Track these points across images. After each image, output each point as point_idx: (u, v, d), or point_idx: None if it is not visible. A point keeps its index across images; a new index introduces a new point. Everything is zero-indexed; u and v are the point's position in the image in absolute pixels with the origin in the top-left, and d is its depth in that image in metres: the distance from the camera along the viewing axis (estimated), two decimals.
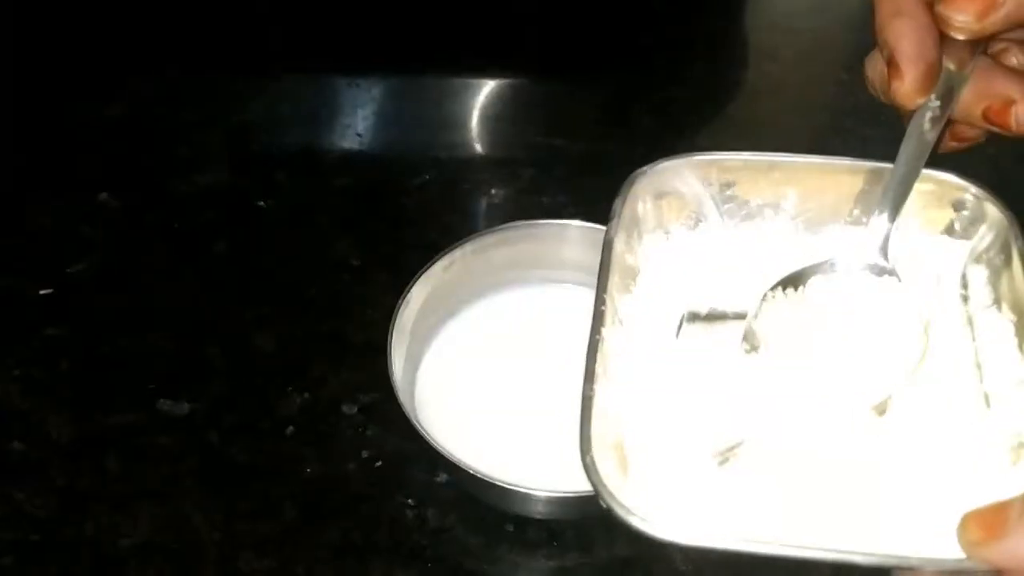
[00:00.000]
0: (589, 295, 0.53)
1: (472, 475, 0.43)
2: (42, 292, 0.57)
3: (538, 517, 0.47)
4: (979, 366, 0.35)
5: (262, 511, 0.47)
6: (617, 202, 0.38)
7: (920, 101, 0.36)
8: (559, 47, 0.75)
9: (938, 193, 0.38)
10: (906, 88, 0.35)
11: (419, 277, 0.49)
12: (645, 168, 0.39)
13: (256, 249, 0.60)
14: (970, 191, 0.38)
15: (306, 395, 0.52)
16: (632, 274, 0.38)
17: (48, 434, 0.50)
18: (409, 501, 0.48)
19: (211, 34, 0.74)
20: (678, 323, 0.38)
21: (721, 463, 0.33)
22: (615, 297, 0.36)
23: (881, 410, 0.34)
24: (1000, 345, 0.35)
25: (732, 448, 0.34)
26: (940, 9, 0.35)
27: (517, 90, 0.73)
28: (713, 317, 0.38)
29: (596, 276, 0.53)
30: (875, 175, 0.39)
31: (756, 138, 0.71)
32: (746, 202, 0.40)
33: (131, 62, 0.72)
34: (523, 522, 0.47)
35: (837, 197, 0.40)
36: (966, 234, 0.38)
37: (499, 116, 0.71)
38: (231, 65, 0.73)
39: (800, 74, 0.76)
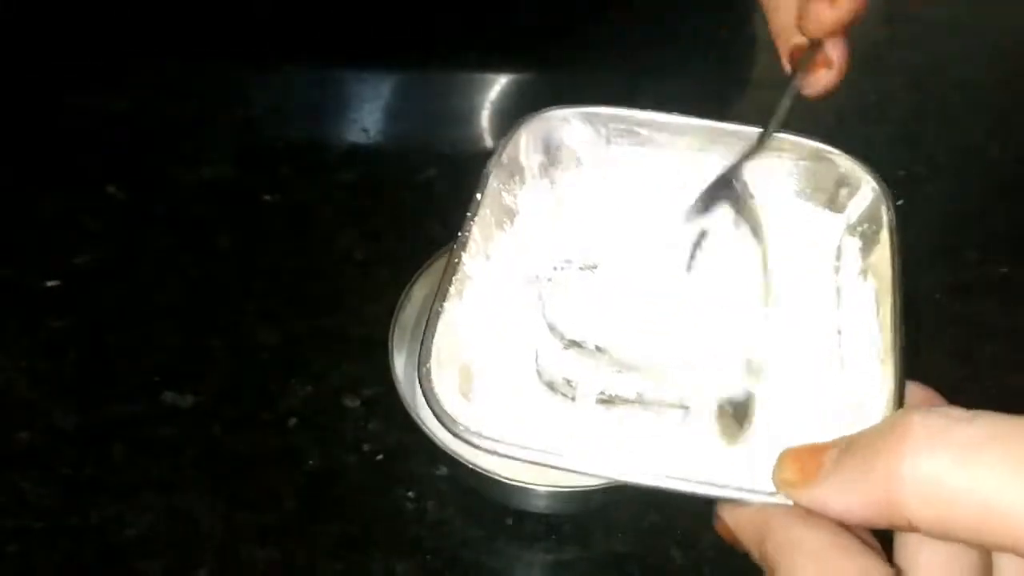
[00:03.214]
0: None
1: (472, 469, 0.43)
2: (48, 284, 0.57)
3: (537, 511, 0.48)
4: (840, 332, 0.36)
5: (264, 502, 0.48)
6: (501, 142, 0.38)
7: None
8: (565, 41, 0.75)
9: (814, 165, 0.38)
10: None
11: (421, 273, 0.50)
12: (533, 115, 0.39)
13: (260, 242, 0.60)
14: (844, 161, 0.38)
15: (308, 388, 0.52)
16: (509, 214, 0.38)
17: (53, 424, 0.51)
18: (409, 494, 0.48)
19: (216, 27, 0.74)
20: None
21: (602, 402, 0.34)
22: (486, 230, 0.36)
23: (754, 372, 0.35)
24: (860, 312, 0.35)
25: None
26: None
27: (523, 85, 0.73)
28: (586, 268, 0.38)
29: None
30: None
31: None
32: (636, 132, 0.40)
33: (135, 55, 0.72)
34: (522, 516, 0.48)
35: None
36: (841, 206, 0.38)
37: (505, 111, 0.71)
38: (236, 58, 0.73)
39: None
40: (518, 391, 0.34)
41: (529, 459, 0.29)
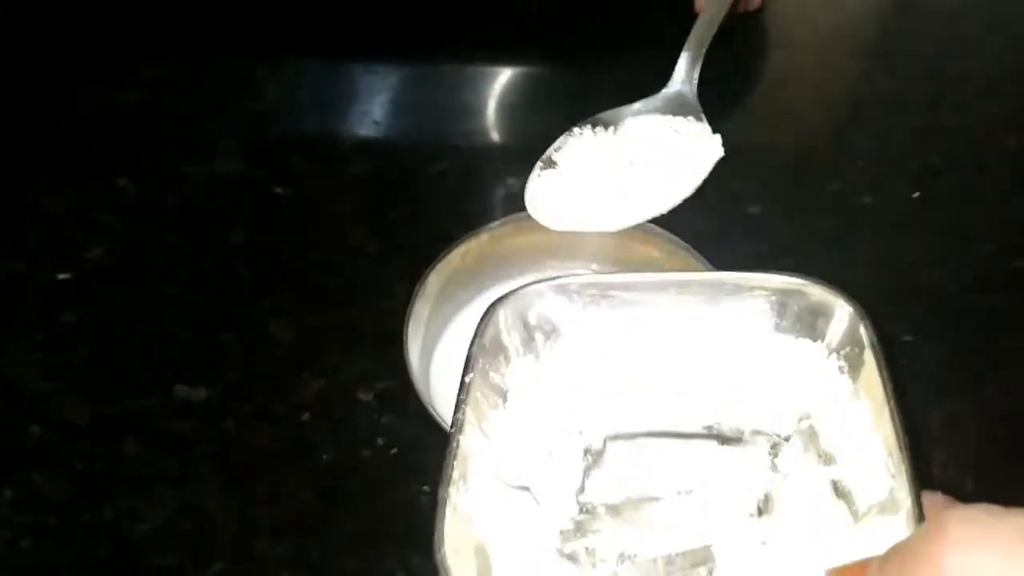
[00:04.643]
0: None
1: None
2: (60, 277, 0.57)
3: None
4: (839, 459, 0.36)
5: (278, 497, 0.48)
6: (480, 324, 0.38)
7: None
8: (576, 35, 0.75)
9: (787, 298, 0.39)
10: None
11: (435, 265, 0.50)
12: (508, 294, 0.39)
13: (272, 236, 0.60)
14: (814, 289, 0.38)
15: (322, 382, 0.52)
16: (500, 393, 0.39)
17: (66, 418, 0.50)
18: (424, 487, 0.48)
19: (226, 20, 0.74)
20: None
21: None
22: (479, 411, 0.37)
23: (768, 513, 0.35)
24: (859, 435, 0.36)
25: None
26: None
27: (535, 78, 0.73)
28: (584, 434, 0.38)
29: (612, 265, 0.54)
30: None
31: (776, 128, 0.71)
32: (610, 296, 0.40)
33: (145, 48, 0.72)
34: None
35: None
36: (820, 334, 0.39)
37: (517, 104, 0.71)
38: (247, 52, 0.73)
39: (820, 63, 0.76)
40: (538, 566, 0.34)
41: None
